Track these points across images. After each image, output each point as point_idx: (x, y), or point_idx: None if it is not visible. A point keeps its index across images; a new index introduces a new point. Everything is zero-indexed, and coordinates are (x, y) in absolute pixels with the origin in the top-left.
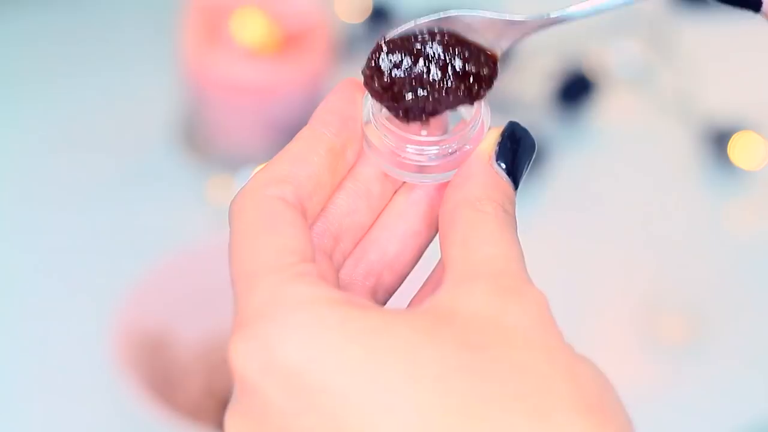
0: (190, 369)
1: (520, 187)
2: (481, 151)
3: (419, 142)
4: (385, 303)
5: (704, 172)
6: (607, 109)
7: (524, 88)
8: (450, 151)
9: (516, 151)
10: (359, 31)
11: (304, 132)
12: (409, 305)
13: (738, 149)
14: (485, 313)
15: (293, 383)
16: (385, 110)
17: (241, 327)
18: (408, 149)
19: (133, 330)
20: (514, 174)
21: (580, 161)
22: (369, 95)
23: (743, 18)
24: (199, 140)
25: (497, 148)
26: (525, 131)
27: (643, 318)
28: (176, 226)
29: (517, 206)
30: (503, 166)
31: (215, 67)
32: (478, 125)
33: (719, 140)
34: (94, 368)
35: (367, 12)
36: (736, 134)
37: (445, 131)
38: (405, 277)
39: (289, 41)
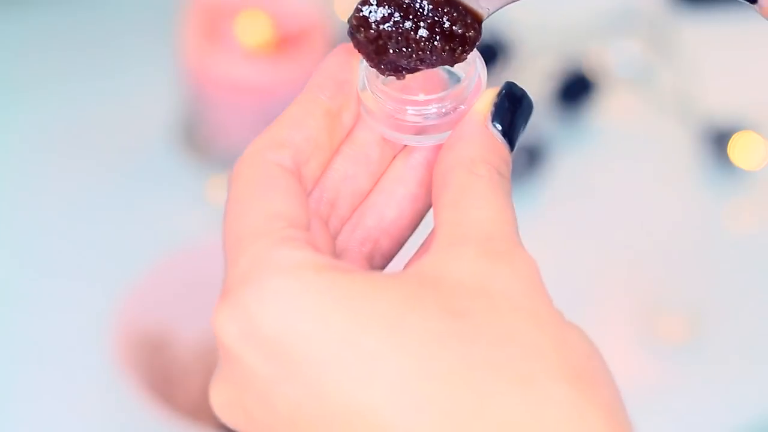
0: (190, 369)
1: (516, 149)
2: (476, 112)
3: (415, 103)
4: (383, 268)
5: (704, 172)
6: (607, 109)
7: (524, 88)
8: (445, 110)
9: (513, 112)
10: None
11: (300, 96)
12: (403, 269)
13: (738, 149)
14: (472, 278)
15: (274, 350)
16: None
17: (225, 293)
18: (405, 111)
19: (133, 330)
20: (510, 135)
21: (580, 161)
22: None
23: (743, 18)
24: (199, 140)
25: (493, 108)
26: (522, 91)
27: (643, 318)
28: (176, 225)
29: (516, 206)
30: (499, 127)
31: (215, 67)
32: (474, 84)
33: (719, 140)
34: (94, 368)
35: None
36: (736, 134)
37: (442, 90)
38: (403, 243)
39: (289, 41)
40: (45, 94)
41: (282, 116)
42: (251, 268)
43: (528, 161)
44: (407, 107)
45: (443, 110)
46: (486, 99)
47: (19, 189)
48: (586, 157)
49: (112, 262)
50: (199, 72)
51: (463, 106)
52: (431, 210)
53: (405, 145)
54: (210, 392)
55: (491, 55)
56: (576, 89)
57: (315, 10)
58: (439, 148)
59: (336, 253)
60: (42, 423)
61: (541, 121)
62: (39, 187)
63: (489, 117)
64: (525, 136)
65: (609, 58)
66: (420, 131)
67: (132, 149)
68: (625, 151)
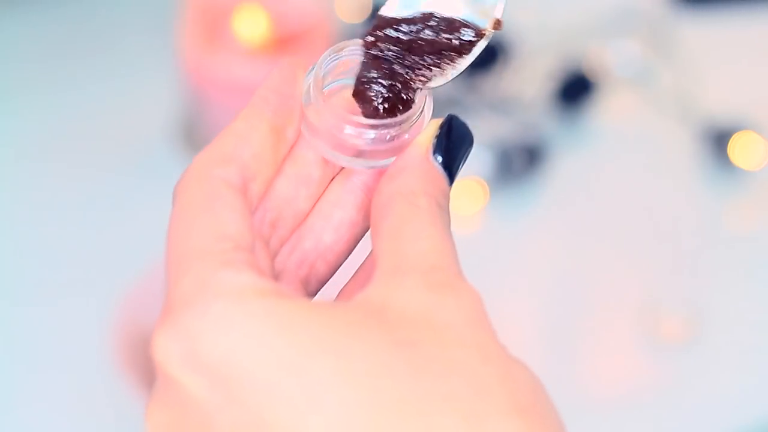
0: None
1: (456, 180)
2: (419, 144)
3: (357, 124)
4: (316, 293)
5: (704, 172)
6: (607, 109)
7: (524, 88)
8: (387, 137)
9: (454, 146)
10: (359, 31)
11: (245, 111)
12: (337, 297)
13: (738, 149)
14: (417, 309)
15: (215, 376)
16: (327, 88)
17: (166, 314)
18: (346, 130)
19: (133, 329)
20: (450, 168)
21: (580, 161)
22: (309, 74)
23: (743, 18)
24: (199, 140)
25: (434, 140)
26: (463, 125)
27: (643, 318)
28: None
29: (516, 206)
30: (440, 159)
31: (215, 67)
32: (419, 116)
33: (719, 140)
34: (93, 367)
35: (367, 12)
36: (736, 134)
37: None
38: (338, 267)
39: (288, 41)
40: (45, 94)
41: (227, 130)
42: (194, 291)
43: (528, 161)
44: (347, 126)
45: (386, 137)
46: (429, 131)
47: (20, 189)
48: (586, 157)
49: (112, 262)
50: (198, 72)
51: (406, 136)
52: (367, 235)
53: (343, 167)
54: (146, 417)
55: (491, 55)
56: (576, 89)
57: (315, 10)
58: (377, 174)
59: (273, 275)
60: (41, 423)
61: (541, 121)
62: (39, 187)
63: (431, 149)
64: (525, 136)
65: (609, 58)
66: (359, 154)
67: (132, 149)
68: (625, 151)
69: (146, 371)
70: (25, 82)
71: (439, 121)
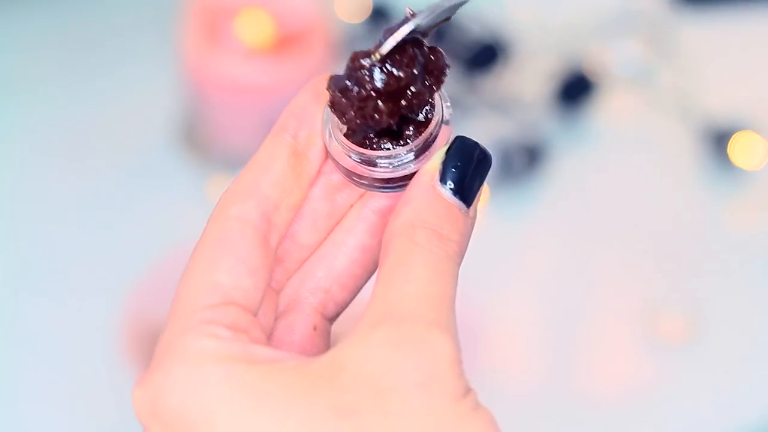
0: None
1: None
2: (424, 172)
3: (362, 152)
4: (337, 315)
5: (704, 172)
6: (607, 109)
7: (524, 88)
8: (397, 164)
9: (464, 169)
10: (359, 31)
11: (267, 140)
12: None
13: (738, 149)
14: (370, 371)
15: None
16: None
17: (147, 370)
18: (354, 157)
19: (137, 327)
20: (463, 194)
21: (580, 161)
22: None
23: (743, 18)
24: (199, 140)
25: (441, 167)
26: (474, 146)
27: (643, 318)
28: (176, 225)
29: (517, 206)
30: (451, 185)
31: (215, 67)
32: (433, 139)
33: (719, 140)
34: (99, 365)
35: (367, 12)
36: (736, 134)
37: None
38: (357, 292)
39: (289, 41)
40: (45, 94)
41: (249, 163)
42: (164, 351)
43: (528, 161)
44: (352, 153)
45: (396, 163)
46: (435, 158)
47: (21, 189)
48: (586, 157)
49: (113, 262)
50: (199, 72)
51: (413, 165)
52: None
53: (360, 196)
54: None
55: (491, 55)
56: (576, 89)
57: (315, 10)
58: (397, 198)
59: (287, 304)
60: (47, 420)
61: (541, 121)
62: (40, 187)
63: (437, 177)
64: (525, 136)
65: (609, 58)
66: (375, 180)
67: (132, 149)
68: (625, 151)
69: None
70: (25, 82)
71: (446, 146)
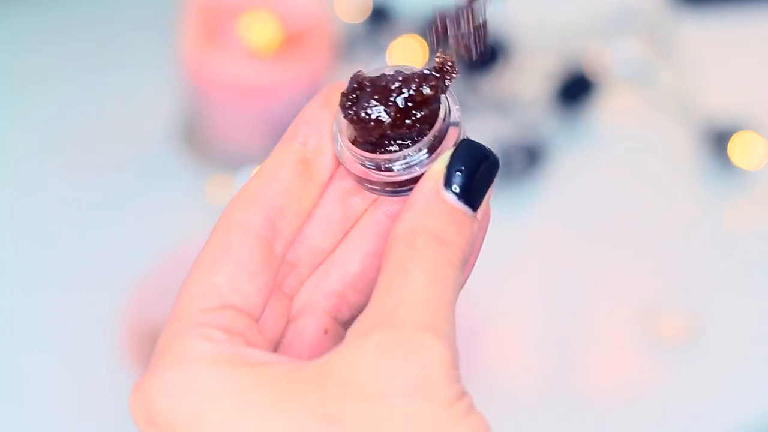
0: None
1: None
2: (428, 177)
3: (372, 158)
4: (352, 319)
5: (704, 172)
6: (607, 109)
7: (524, 88)
8: (404, 167)
9: (470, 172)
10: (359, 31)
11: (276, 147)
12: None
13: (738, 149)
14: (360, 377)
15: None
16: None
17: (143, 375)
18: (363, 162)
19: (137, 327)
20: (469, 198)
21: (580, 161)
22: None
23: (743, 18)
24: (199, 140)
25: (446, 171)
26: (480, 149)
27: (643, 318)
28: (177, 225)
29: (517, 206)
30: (456, 189)
31: (215, 67)
32: (438, 142)
33: (719, 140)
34: (98, 364)
35: (367, 12)
36: (736, 134)
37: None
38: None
39: (289, 41)
40: (45, 94)
41: (257, 171)
42: (159, 355)
43: (528, 161)
44: (361, 157)
45: (403, 167)
46: (439, 162)
47: (21, 189)
48: (586, 157)
49: (113, 261)
50: (199, 72)
51: (418, 169)
52: None
53: (374, 200)
54: None
55: (491, 55)
56: (576, 89)
57: (315, 10)
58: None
59: (301, 308)
60: (47, 417)
61: (541, 121)
62: (40, 187)
63: (441, 181)
64: (525, 136)
65: (609, 58)
66: (387, 184)
67: (132, 149)
68: (625, 151)
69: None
70: (24, 82)
71: (452, 150)
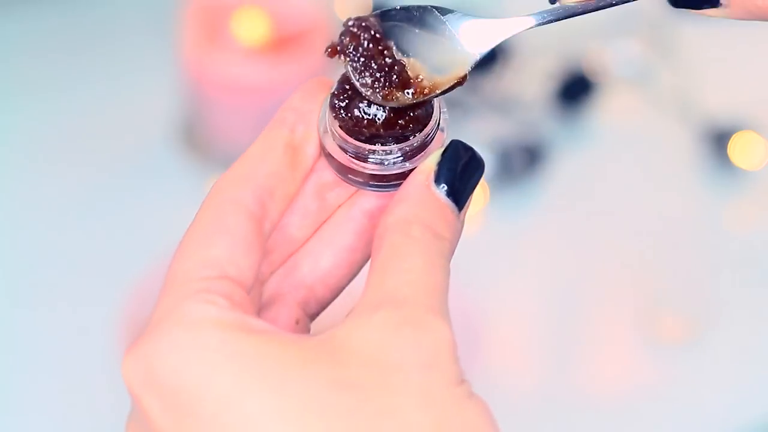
0: None
1: (467, 207)
2: (419, 172)
3: (359, 149)
4: (318, 314)
5: (704, 172)
6: (607, 109)
7: (524, 88)
8: (393, 162)
9: (458, 172)
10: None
11: (264, 131)
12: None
13: (738, 149)
14: (372, 349)
15: (169, 399)
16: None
17: (137, 340)
18: (350, 154)
19: (136, 327)
20: (456, 196)
21: (580, 161)
22: (327, 102)
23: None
24: (198, 140)
25: (437, 168)
26: (469, 150)
27: (643, 318)
28: (176, 225)
29: (516, 205)
30: (444, 187)
31: (215, 67)
32: (428, 141)
33: (719, 140)
34: (98, 364)
35: (367, 12)
36: (736, 134)
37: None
38: (339, 291)
39: (288, 41)
40: (45, 95)
41: (245, 152)
42: (160, 318)
43: (528, 161)
44: (349, 150)
45: (392, 162)
46: (431, 158)
47: (20, 189)
48: (586, 157)
49: (112, 262)
50: (198, 72)
51: (409, 164)
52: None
53: (350, 196)
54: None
55: (491, 55)
56: (576, 89)
57: (315, 10)
58: (386, 199)
59: (270, 297)
60: (44, 422)
61: (541, 121)
62: (40, 187)
63: (432, 177)
64: (525, 136)
65: (609, 58)
66: (370, 179)
67: (132, 149)
68: (625, 151)
69: None
70: (24, 82)
71: (442, 148)
